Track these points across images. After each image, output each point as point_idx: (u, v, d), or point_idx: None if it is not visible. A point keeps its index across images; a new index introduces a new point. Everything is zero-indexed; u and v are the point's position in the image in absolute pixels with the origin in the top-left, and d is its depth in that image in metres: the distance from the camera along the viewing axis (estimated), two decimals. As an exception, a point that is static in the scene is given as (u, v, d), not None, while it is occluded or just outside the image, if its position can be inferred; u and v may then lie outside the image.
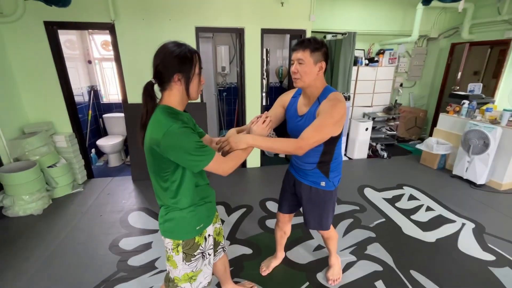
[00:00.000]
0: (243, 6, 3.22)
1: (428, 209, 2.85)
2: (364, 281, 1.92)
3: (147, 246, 2.25)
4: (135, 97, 3.27)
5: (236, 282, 1.84)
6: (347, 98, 4.07)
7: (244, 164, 3.95)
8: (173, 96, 1.08)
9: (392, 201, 3.00)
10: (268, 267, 2.02)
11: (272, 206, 2.86)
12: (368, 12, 4.56)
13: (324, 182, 1.58)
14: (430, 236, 2.40)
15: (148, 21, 3.05)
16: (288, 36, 4.19)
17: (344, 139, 4.26)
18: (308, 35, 3.48)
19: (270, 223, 2.57)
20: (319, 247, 2.24)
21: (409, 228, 2.51)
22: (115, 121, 4.20)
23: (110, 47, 4.20)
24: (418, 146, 4.08)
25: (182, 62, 1.05)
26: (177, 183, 1.12)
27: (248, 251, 2.21)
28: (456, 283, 1.90)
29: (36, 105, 3.12)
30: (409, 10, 4.63)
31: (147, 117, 1.09)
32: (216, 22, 3.20)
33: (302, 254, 2.17)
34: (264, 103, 3.88)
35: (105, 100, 4.51)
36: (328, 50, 1.45)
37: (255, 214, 2.72)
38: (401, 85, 5.27)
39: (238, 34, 3.36)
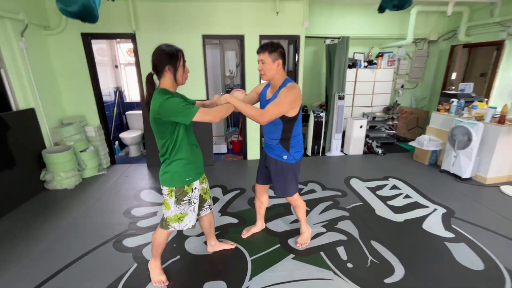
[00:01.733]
0: (243, 15, 3.70)
1: (406, 196, 3.10)
2: (328, 246, 2.25)
3: (153, 214, 2.74)
4: (151, 95, 3.82)
5: (220, 241, 2.25)
6: (342, 97, 4.38)
7: (245, 156, 4.37)
8: (166, 81, 1.56)
9: (374, 189, 3.27)
10: (248, 231, 2.43)
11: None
12: (366, 17, 4.86)
13: (286, 156, 2.00)
14: (399, 218, 2.67)
15: (162, 31, 3.61)
16: (286, 41, 4.60)
17: (339, 135, 4.55)
18: (302, 40, 3.87)
19: (258, 202, 2.96)
20: (295, 221, 2.60)
21: (382, 211, 2.79)
22: (136, 117, 4.83)
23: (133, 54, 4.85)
24: (411, 143, 4.28)
25: (170, 57, 1.54)
26: (174, 141, 1.59)
27: (234, 221, 2.62)
28: (410, 251, 2.18)
29: (72, 102, 3.78)
30: (407, 15, 4.86)
31: (149, 97, 1.58)
32: (220, 30, 3.70)
33: (279, 225, 2.55)
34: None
35: (128, 99, 5.17)
36: (284, 51, 1.87)
37: (246, 195, 3.13)
38: (402, 86, 5.46)
39: (240, 40, 3.83)
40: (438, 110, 4.12)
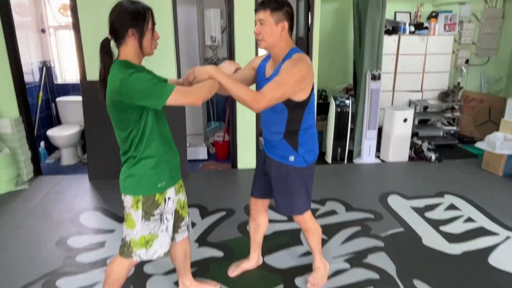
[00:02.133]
0: (232, -42, 3.93)
1: (468, 220, 3.30)
2: (353, 287, 2.43)
3: (100, 245, 2.91)
4: (97, 73, 4.01)
5: (198, 281, 2.41)
6: (377, 77, 4.61)
7: (234, 164, 4.57)
8: (128, 50, 1.69)
9: (422, 210, 3.48)
10: (238, 268, 2.57)
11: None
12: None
13: (293, 157, 2.09)
14: (456, 249, 2.86)
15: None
16: (296, -5, 4.83)
17: (373, 133, 4.76)
18: (318, -6, 4.11)
19: (253, 227, 3.14)
20: (307, 253, 2.77)
21: (432, 240, 2.98)
22: (71, 106, 5.01)
23: (69, 12, 5.05)
24: (478, 144, 4.51)
25: (135, 17, 1.67)
26: (140, 133, 1.70)
27: (218, 253, 2.79)
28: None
29: (-21, 82, 3.96)
30: (471, -43, 5.14)
31: (105, 72, 1.71)
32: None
33: (283, 259, 2.71)
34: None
35: (60, 80, 5.36)
36: (292, 9, 2.04)
37: (235, 218, 3.31)
38: (466, 61, 5.73)
39: (226, -7, 4.06)
40: (517, 96, 4.35)
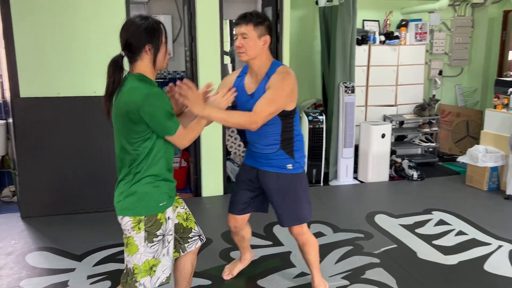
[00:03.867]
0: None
1: (460, 233, 3.99)
2: (355, 302, 2.93)
3: (63, 284, 3.14)
4: (35, 88, 4.28)
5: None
6: (351, 90, 5.34)
7: (198, 193, 4.97)
8: (145, 66, 2.10)
9: (412, 227, 4.12)
10: (231, 270, 3.05)
11: (240, 237, 3.86)
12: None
13: (290, 165, 2.65)
14: (452, 260, 3.49)
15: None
16: (260, 2, 5.51)
17: (350, 152, 5.43)
18: (287, 2, 4.79)
19: (236, 254, 3.55)
20: (301, 274, 3.25)
21: (426, 253, 3.59)
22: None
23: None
24: (460, 159, 5.35)
25: (151, 33, 2.08)
26: (148, 148, 2.05)
27: (205, 282, 3.16)
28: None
29: None
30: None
31: (114, 86, 2.09)
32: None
33: (277, 282, 3.16)
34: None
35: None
36: (271, 24, 2.62)
37: (215, 247, 3.70)
38: (440, 73, 6.71)
39: (186, -1, 4.59)
40: (494, 106, 5.28)
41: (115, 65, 2.08)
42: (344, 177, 5.51)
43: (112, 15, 4.33)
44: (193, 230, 2.48)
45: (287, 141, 2.65)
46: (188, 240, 2.45)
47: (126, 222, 2.11)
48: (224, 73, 4.80)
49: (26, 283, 3.19)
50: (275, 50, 5.01)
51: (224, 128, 4.91)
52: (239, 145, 6.10)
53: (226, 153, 5.25)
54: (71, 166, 4.46)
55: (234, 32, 2.58)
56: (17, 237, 3.97)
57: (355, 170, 5.68)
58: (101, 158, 4.46)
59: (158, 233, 2.14)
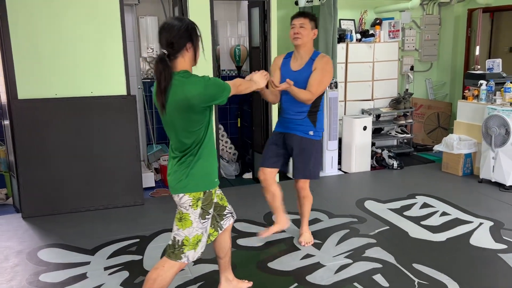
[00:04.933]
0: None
1: (444, 214, 4.35)
2: (361, 276, 3.19)
3: (82, 277, 3.27)
4: (33, 90, 4.36)
5: None
6: (335, 86, 5.64)
7: (193, 188, 5.14)
8: (186, 63, 2.35)
9: (400, 210, 4.46)
10: (267, 230, 3.49)
11: (244, 226, 4.12)
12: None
13: (312, 131, 3.41)
14: (440, 237, 3.83)
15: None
16: (245, 3, 5.73)
17: (334, 144, 5.74)
18: (274, 2, 5.03)
19: (243, 241, 3.78)
20: (307, 256, 3.50)
21: (417, 232, 3.93)
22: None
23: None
24: (436, 147, 5.73)
25: (191, 33, 2.35)
26: (203, 132, 2.35)
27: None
28: (461, 267, 3.29)
29: None
30: (407, -34, 6.59)
31: (166, 82, 2.29)
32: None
33: (288, 262, 3.40)
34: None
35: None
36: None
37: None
38: (411, 68, 7.12)
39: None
40: (465, 97, 5.70)
41: (162, 63, 2.27)
42: (330, 168, 5.80)
43: (107, 16, 4.47)
44: (227, 208, 2.78)
45: (312, 112, 3.41)
46: (223, 217, 2.74)
47: (185, 200, 2.36)
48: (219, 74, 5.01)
49: (45, 277, 3.29)
50: (264, 48, 5.23)
51: (217, 127, 5.12)
52: (226, 142, 6.31)
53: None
54: (70, 165, 4.55)
55: (292, 23, 3.38)
56: (23, 236, 4.05)
57: (339, 162, 5.99)
58: (99, 157, 4.59)
59: (210, 211, 2.46)
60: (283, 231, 3.77)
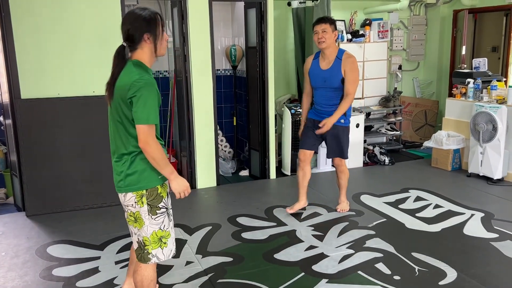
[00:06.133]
0: (183, -34, 4.79)
1: (437, 206, 4.55)
2: (364, 264, 3.35)
3: (94, 271, 3.37)
4: (36, 89, 4.42)
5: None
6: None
7: (193, 185, 5.26)
8: (144, 54, 2.24)
9: (395, 204, 4.64)
10: (292, 208, 4.32)
11: (247, 221, 4.25)
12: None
13: (343, 120, 4.13)
14: (436, 228, 4.02)
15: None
16: (242, 4, 5.85)
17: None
18: (271, 3, 5.17)
19: (248, 235, 3.92)
20: (311, 247, 3.65)
21: (413, 224, 4.12)
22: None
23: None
24: (426, 144, 5.94)
25: (149, 23, 2.26)
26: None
27: (227, 259, 3.49)
28: (457, 255, 3.48)
29: None
30: (395, -32, 6.80)
31: (117, 76, 2.23)
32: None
33: (293, 254, 3.55)
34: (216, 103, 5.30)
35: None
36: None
37: (225, 230, 4.05)
38: (399, 67, 7.34)
39: (179, 2, 4.87)
40: (453, 95, 5.92)
41: (120, 56, 2.26)
42: (324, 165, 5.96)
43: (109, 15, 4.55)
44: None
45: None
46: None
47: (129, 198, 2.31)
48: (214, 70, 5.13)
49: (58, 271, 3.38)
50: (260, 48, 5.37)
51: (215, 125, 5.25)
52: (222, 140, 6.42)
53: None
54: (73, 164, 4.63)
55: (314, 29, 3.99)
56: (30, 233, 4.11)
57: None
58: (102, 155, 4.64)
59: (160, 205, 2.33)
60: (304, 208, 4.46)
